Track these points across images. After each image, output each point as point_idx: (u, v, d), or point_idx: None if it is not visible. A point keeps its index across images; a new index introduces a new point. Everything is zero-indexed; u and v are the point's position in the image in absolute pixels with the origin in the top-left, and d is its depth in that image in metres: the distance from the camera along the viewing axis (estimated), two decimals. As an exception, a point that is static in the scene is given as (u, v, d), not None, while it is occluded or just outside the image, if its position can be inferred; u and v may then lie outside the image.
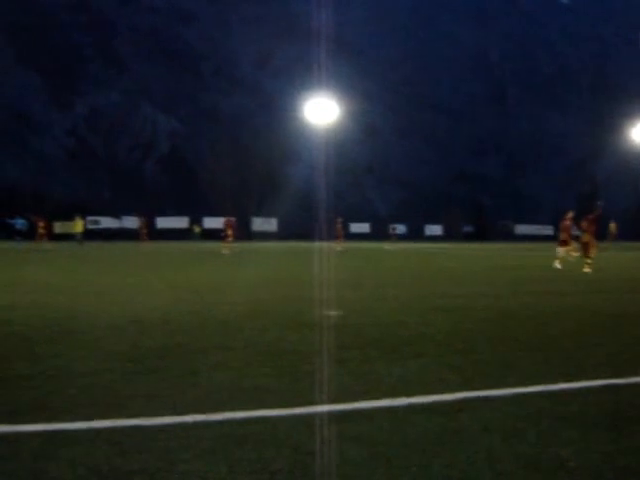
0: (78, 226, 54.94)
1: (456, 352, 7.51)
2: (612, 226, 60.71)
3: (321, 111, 65.30)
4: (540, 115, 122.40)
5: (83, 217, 58.21)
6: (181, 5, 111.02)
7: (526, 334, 8.92)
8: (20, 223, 50.69)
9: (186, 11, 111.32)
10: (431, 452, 4.25)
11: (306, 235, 63.44)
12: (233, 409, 5.06)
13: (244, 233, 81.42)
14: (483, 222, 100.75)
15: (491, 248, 54.35)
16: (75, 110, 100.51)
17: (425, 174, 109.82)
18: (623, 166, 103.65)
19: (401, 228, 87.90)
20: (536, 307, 12.08)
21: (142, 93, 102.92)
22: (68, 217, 58.79)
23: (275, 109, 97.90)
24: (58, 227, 72.34)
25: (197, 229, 75.37)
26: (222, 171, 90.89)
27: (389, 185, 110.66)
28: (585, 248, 24.72)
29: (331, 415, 4.94)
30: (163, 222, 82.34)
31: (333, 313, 9.85)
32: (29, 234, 51.25)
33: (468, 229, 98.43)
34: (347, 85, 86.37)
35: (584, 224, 25.29)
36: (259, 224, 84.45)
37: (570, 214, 27.57)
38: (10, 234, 50.75)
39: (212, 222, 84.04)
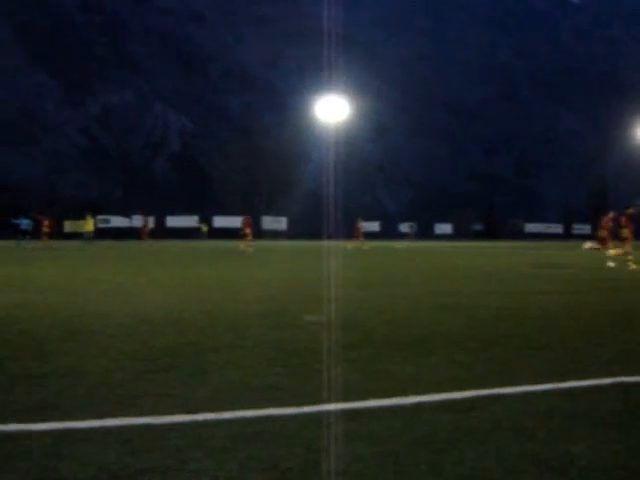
0: (89, 225, 54.99)
1: (466, 350, 7.49)
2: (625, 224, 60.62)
3: (331, 110, 65.30)
4: (550, 114, 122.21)
5: (94, 216, 58.32)
6: (193, 6, 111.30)
7: (537, 332, 8.89)
8: (25, 223, 50.78)
9: (198, 12, 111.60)
10: (441, 450, 4.24)
11: (316, 234, 63.42)
12: (244, 407, 5.06)
13: (254, 232, 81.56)
14: (493, 221, 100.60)
15: (501, 246, 54.26)
16: (87, 109, 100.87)
17: (435, 173, 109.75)
18: (633, 164, 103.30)
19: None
20: (547, 305, 12.06)
21: (154, 93, 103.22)
22: (79, 216, 58.93)
23: (285, 108, 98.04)
24: (68, 226, 72.61)
25: (204, 228, 75.38)
26: (232, 170, 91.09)
27: (399, 184, 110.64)
28: (622, 244, 24.85)
29: (341, 413, 4.94)
30: (173, 221, 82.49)
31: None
32: (34, 234, 51.37)
33: (478, 228, 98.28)
34: (358, 84, 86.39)
35: (623, 220, 25.36)
36: (269, 223, 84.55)
37: (611, 214, 27.55)
38: (15, 234, 50.88)
39: (222, 221, 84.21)
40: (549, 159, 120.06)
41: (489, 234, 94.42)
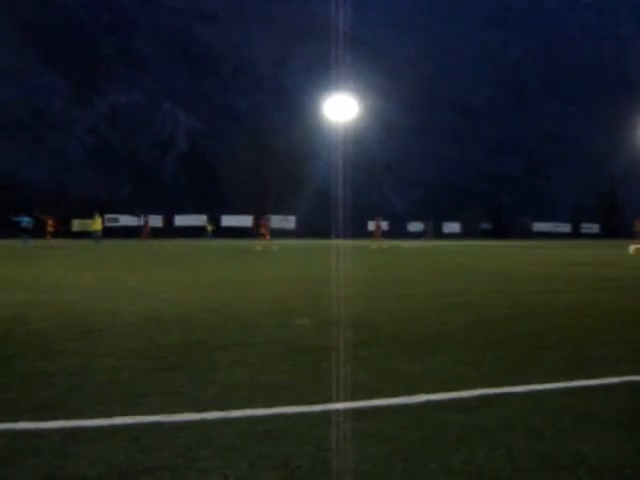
0: (97, 224, 55.16)
1: (474, 349, 7.49)
2: (639, 225, 60.41)
3: (340, 109, 65.33)
4: (559, 113, 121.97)
5: (102, 215, 58.48)
6: (201, 5, 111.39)
7: (545, 331, 8.88)
8: (26, 221, 50.98)
9: (206, 11, 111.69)
10: (449, 449, 4.24)
11: (324, 233, 63.40)
12: (253, 406, 5.06)
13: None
14: (502, 220, 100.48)
15: (510, 245, 54.20)
16: (95, 108, 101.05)
17: (444, 172, 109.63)
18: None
19: (418, 226, 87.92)
20: (555, 304, 12.04)
21: (162, 92, 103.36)
22: (88, 215, 59.11)
23: (294, 107, 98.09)
24: (77, 225, 72.84)
25: (209, 227, 75.41)
26: (241, 169, 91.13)
27: (407, 183, 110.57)
28: None
29: (350, 412, 4.94)
30: (181, 220, 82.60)
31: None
32: (35, 232, 51.54)
33: (486, 227, 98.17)
34: (366, 84, 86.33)
35: None
36: (277, 222, 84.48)
37: None
38: (17, 232, 51.12)
39: (230, 220, 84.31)
40: (558, 158, 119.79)
41: (497, 233, 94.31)
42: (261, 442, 4.33)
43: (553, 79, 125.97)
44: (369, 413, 4.98)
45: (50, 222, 50.18)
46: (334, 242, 45.56)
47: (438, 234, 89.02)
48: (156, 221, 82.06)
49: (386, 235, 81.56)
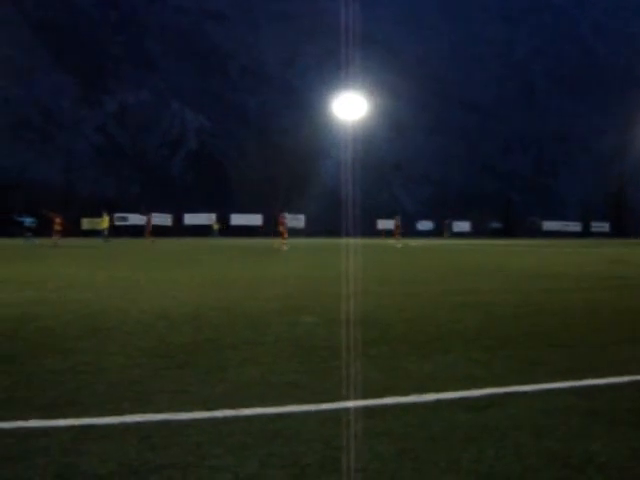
0: (105, 222, 55.39)
1: (484, 348, 7.48)
2: None
3: (349, 108, 65.35)
4: (568, 111, 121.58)
5: (110, 213, 58.64)
6: (210, 4, 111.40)
7: (554, 330, 8.87)
8: (29, 221, 51.30)
9: (214, 10, 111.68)
10: (459, 447, 4.24)
11: (334, 231, 63.46)
12: (263, 404, 5.07)
13: (272, 229, 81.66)
14: (511, 219, 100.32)
15: (519, 244, 54.11)
16: (104, 108, 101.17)
17: (453, 171, 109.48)
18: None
19: (428, 224, 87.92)
20: (564, 303, 12.02)
21: (171, 91, 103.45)
22: (97, 214, 59.31)
23: (303, 106, 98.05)
24: (86, 223, 73.06)
25: (215, 226, 75.45)
26: (250, 168, 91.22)
27: (416, 182, 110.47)
28: None
29: (360, 411, 4.94)
30: (190, 219, 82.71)
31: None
32: (42, 230, 51.75)
33: (496, 225, 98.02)
34: (375, 82, 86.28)
35: None
36: (287, 220, 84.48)
37: None
38: (20, 231, 51.42)
39: (239, 219, 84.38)
40: (567, 157, 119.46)
41: (507, 232, 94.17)
42: (271, 440, 4.33)
43: (562, 77, 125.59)
44: (379, 411, 4.98)
45: (57, 220, 50.15)
46: (344, 241, 45.51)
47: (440, 233, 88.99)
48: (165, 220, 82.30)
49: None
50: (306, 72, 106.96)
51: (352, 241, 46.65)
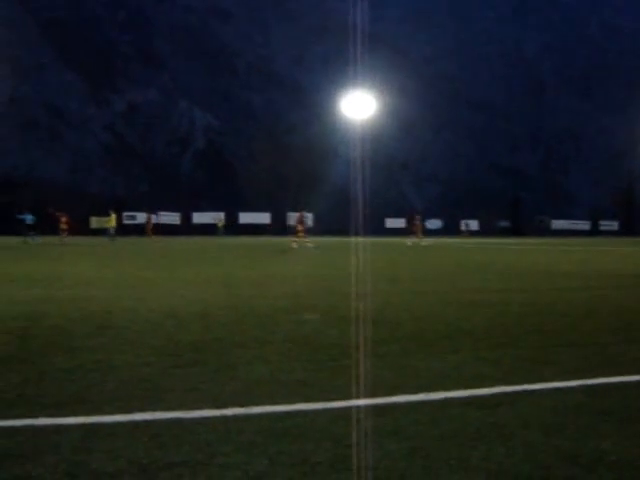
0: (112, 221, 55.58)
1: (494, 347, 7.47)
2: None
3: (358, 107, 65.29)
4: (577, 109, 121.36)
5: (117, 212, 58.82)
6: (218, 3, 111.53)
7: (564, 329, 8.85)
8: (30, 218, 51.61)
9: (222, 9, 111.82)
10: (469, 446, 4.23)
11: (342, 230, 63.38)
12: (273, 403, 5.07)
13: (280, 228, 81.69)
14: (520, 217, 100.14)
15: (528, 243, 54.02)
16: (113, 107, 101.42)
17: (461, 169, 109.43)
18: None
19: (437, 223, 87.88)
20: (573, 301, 11.99)
21: (179, 90, 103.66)
22: (105, 212, 59.50)
23: (311, 105, 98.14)
24: (95, 222, 73.26)
25: (220, 224, 75.46)
26: (258, 166, 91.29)
27: (425, 180, 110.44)
28: None
29: (369, 409, 4.93)
30: (199, 217, 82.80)
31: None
32: (47, 228, 52.05)
33: (504, 224, 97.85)
34: (383, 81, 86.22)
35: None
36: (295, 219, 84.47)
37: None
38: (21, 230, 51.72)
39: (248, 217, 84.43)
40: (576, 155, 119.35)
41: (515, 231, 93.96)
42: (281, 438, 4.33)
43: (571, 76, 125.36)
44: (388, 410, 4.97)
45: (64, 219, 50.26)
46: (353, 239, 45.43)
47: (455, 231, 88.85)
48: (174, 218, 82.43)
49: (405, 232, 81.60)
50: (314, 71, 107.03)
51: (361, 240, 46.58)
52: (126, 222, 74.63)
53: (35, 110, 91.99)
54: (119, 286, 14.66)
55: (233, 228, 79.89)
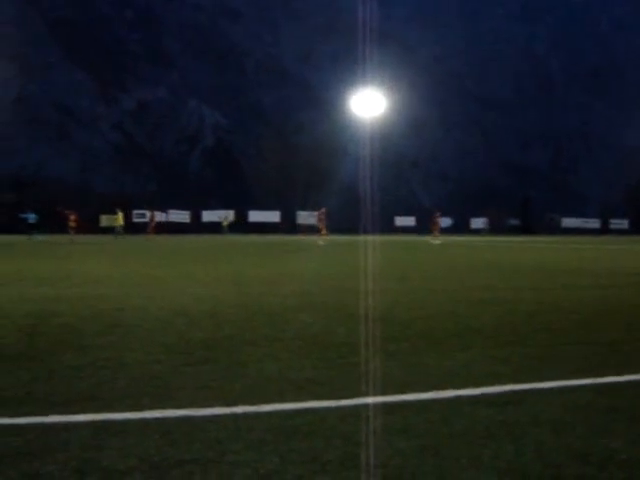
0: (119, 219, 55.93)
1: (504, 345, 7.46)
2: None
3: (366, 105, 65.26)
4: (588, 107, 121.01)
5: (124, 210, 59.12)
6: (227, 1, 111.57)
7: (574, 327, 8.83)
8: (32, 217, 52.06)
9: (231, 8, 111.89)
10: (479, 444, 4.23)
11: (352, 229, 63.44)
12: (283, 400, 5.08)
13: (288, 226, 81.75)
14: (530, 215, 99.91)
15: (537, 241, 53.91)
16: (122, 105, 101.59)
17: (471, 167, 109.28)
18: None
19: (446, 221, 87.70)
20: (583, 299, 11.96)
21: (188, 88, 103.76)
22: (114, 211, 59.76)
23: (320, 103, 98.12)
24: (104, 220, 73.47)
25: (225, 222, 75.45)
26: (267, 165, 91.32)
27: (435, 178, 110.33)
28: None
29: (380, 407, 4.93)
30: (208, 216, 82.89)
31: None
32: (46, 227, 52.40)
33: (514, 222, 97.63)
34: (392, 79, 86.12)
35: None
36: (304, 217, 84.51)
37: None
38: (24, 228, 52.09)
39: (257, 215, 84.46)
40: (586, 153, 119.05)
41: (525, 229, 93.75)
42: (291, 436, 4.33)
43: (581, 73, 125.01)
44: (399, 408, 4.97)
45: (72, 217, 50.50)
46: (362, 238, 45.44)
47: (465, 229, 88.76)
48: (183, 217, 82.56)
49: (414, 230, 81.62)
50: (323, 69, 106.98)
51: (370, 238, 46.56)
52: (136, 220, 74.72)
53: (44, 109, 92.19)
54: (128, 284, 14.68)
55: (243, 226, 79.91)
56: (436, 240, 47.79)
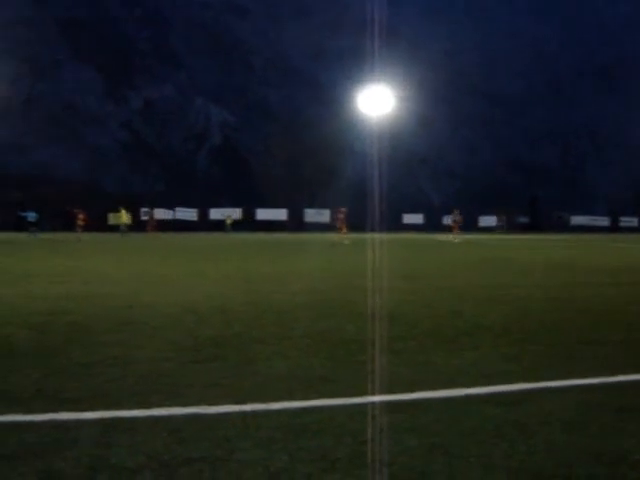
0: (123, 217, 56.21)
1: (514, 343, 7.43)
2: None
3: (375, 102, 65.17)
4: (597, 105, 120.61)
5: (128, 209, 59.40)
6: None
7: (584, 325, 8.80)
8: (32, 215, 52.51)
9: (238, 5, 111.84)
10: (490, 443, 4.21)
11: (359, 226, 63.36)
12: (291, 398, 5.07)
13: (297, 224, 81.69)
14: (538, 213, 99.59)
15: (546, 239, 53.79)
16: (129, 104, 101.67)
17: (480, 165, 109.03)
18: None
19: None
20: (594, 298, 11.91)
21: (195, 86, 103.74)
22: (118, 209, 59.99)
23: (328, 101, 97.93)
24: (112, 218, 73.58)
25: (228, 220, 75.33)
26: (274, 163, 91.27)
27: (443, 176, 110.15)
28: None
29: (388, 405, 4.92)
30: (216, 214, 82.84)
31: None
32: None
33: (523, 220, 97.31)
34: (401, 76, 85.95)
35: None
36: (312, 215, 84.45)
37: None
38: (24, 226, 52.47)
39: (265, 214, 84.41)
40: (595, 151, 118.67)
41: (534, 227, 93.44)
42: (300, 434, 4.33)
43: (590, 71, 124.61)
44: (408, 406, 4.96)
45: (81, 216, 50.74)
46: (369, 236, 45.39)
47: (473, 227, 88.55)
48: (191, 215, 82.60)
49: (422, 228, 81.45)
50: (331, 66, 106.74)
51: (377, 236, 46.51)
52: (144, 218, 74.74)
53: (53, 108, 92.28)
54: (136, 281, 14.70)
55: (250, 224, 79.87)
56: (457, 238, 47.59)
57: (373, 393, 5.22)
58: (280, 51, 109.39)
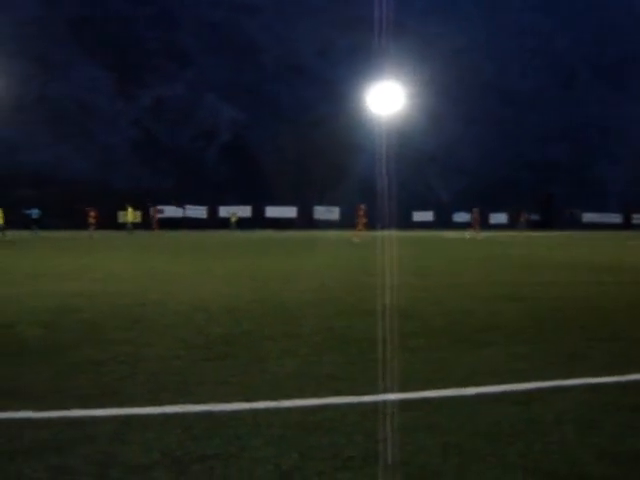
0: (130, 215, 56.53)
1: (526, 341, 7.40)
2: None
3: (384, 100, 65.13)
4: (609, 101, 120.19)
5: (135, 206, 59.71)
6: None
7: (597, 323, 8.75)
8: (35, 212, 52.98)
9: (248, 3, 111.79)
10: (504, 442, 4.18)
11: (369, 224, 63.34)
12: (302, 396, 5.05)
13: (306, 222, 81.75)
14: (550, 210, 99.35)
15: (558, 236, 53.68)
16: (140, 102, 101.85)
17: (490, 162, 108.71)
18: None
19: (464, 216, 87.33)
20: (608, 296, 11.86)
21: (205, 84, 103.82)
22: (134, 207, 60.17)
23: (337, 98, 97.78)
24: (122, 216, 73.78)
25: (233, 218, 75.35)
26: (284, 160, 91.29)
27: (453, 173, 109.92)
28: None
29: (401, 403, 4.90)
30: (224, 211, 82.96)
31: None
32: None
33: (534, 217, 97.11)
34: (410, 73, 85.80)
35: None
36: (321, 213, 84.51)
37: None
38: (28, 223, 52.86)
39: (274, 211, 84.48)
40: (607, 148, 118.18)
41: (545, 224, 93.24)
42: (311, 432, 4.31)
43: (602, 67, 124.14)
44: (421, 405, 4.93)
45: (92, 214, 51.08)
46: (379, 233, 45.35)
47: (483, 224, 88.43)
48: (201, 212, 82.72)
49: (432, 226, 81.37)
50: (340, 63, 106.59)
51: (387, 233, 46.49)
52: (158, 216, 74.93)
53: (64, 107, 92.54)
54: (147, 279, 14.71)
55: (259, 222, 79.96)
56: (477, 236, 47.50)
57: (385, 391, 5.20)
58: (290, 49, 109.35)
